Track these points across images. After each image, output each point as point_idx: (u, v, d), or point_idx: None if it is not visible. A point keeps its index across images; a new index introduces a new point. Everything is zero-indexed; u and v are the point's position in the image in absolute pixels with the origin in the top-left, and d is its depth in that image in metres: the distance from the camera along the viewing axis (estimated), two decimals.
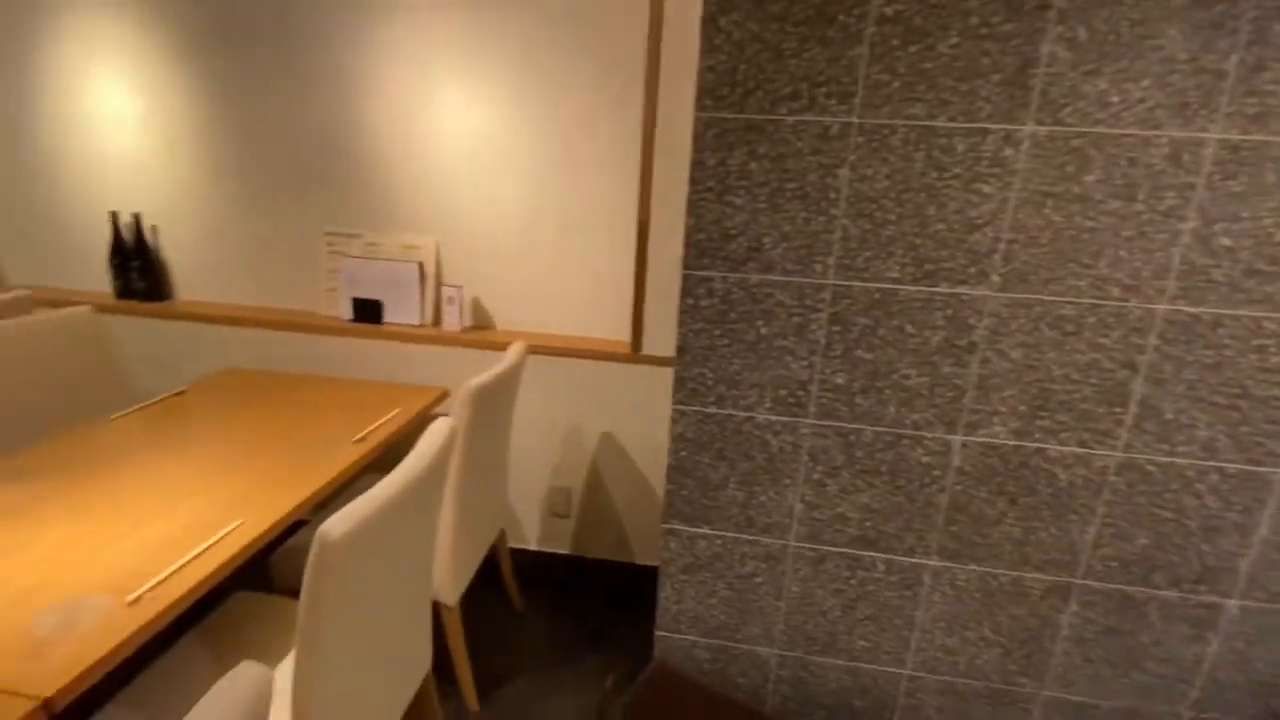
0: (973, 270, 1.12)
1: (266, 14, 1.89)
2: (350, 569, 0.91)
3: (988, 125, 1.03)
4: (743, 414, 1.31)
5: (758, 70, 1.08)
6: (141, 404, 1.70)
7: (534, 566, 2.14)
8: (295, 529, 1.69)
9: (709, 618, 1.47)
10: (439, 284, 2.01)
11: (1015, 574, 1.27)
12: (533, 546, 2.16)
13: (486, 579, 1.94)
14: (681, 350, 1.30)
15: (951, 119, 1.04)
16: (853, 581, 1.35)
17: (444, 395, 1.89)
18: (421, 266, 2.01)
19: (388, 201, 2.00)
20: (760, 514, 1.36)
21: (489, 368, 1.54)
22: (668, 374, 1.86)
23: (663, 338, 1.90)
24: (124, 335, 2.13)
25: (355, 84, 1.91)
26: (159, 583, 1.00)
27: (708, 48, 1.09)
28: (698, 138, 1.15)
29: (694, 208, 1.20)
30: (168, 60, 1.99)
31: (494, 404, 1.58)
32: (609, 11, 1.73)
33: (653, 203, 1.81)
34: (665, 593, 1.48)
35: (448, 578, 1.48)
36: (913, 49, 1.02)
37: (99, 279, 2.20)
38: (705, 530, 1.41)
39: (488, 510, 1.74)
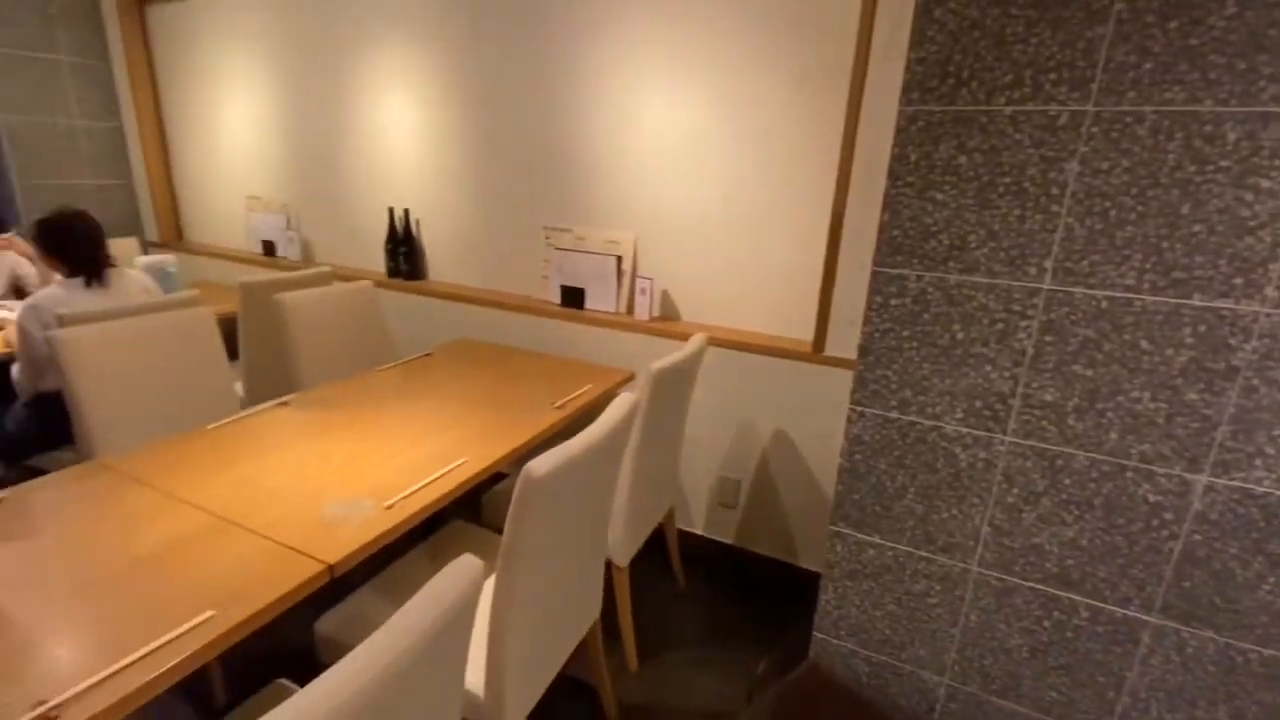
0: (1239, 281, 0.94)
1: (512, 42, 2.21)
2: (546, 504, 1.07)
3: (1271, 109, 0.87)
4: (928, 422, 1.24)
5: (974, 59, 1.02)
6: (400, 361, 2.11)
7: (698, 550, 2.22)
8: (499, 479, 1.97)
9: (872, 630, 1.42)
10: (634, 276, 2.18)
11: (1272, 653, 1.05)
12: (699, 531, 2.25)
13: (654, 554, 2.07)
14: (865, 350, 1.27)
15: (1221, 103, 0.89)
16: (1046, 623, 1.22)
17: (630, 377, 2.05)
18: (619, 259, 2.19)
19: (596, 200, 2.22)
20: (940, 531, 1.29)
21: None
22: (848, 377, 1.81)
23: (846, 340, 1.85)
24: (391, 306, 2.64)
25: (579, 97, 2.14)
26: (406, 495, 1.26)
27: (918, 39, 1.06)
28: (900, 132, 1.12)
29: (891, 203, 1.17)
30: (438, 80, 2.42)
31: (672, 387, 1.68)
32: (821, 10, 1.74)
33: (849, 200, 1.78)
34: (827, 595, 1.46)
35: (621, 539, 1.62)
36: (1173, 25, 0.89)
37: (376, 261, 2.75)
38: (875, 539, 1.36)
39: (660, 485, 1.85)
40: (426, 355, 2.18)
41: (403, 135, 2.57)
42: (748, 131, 1.90)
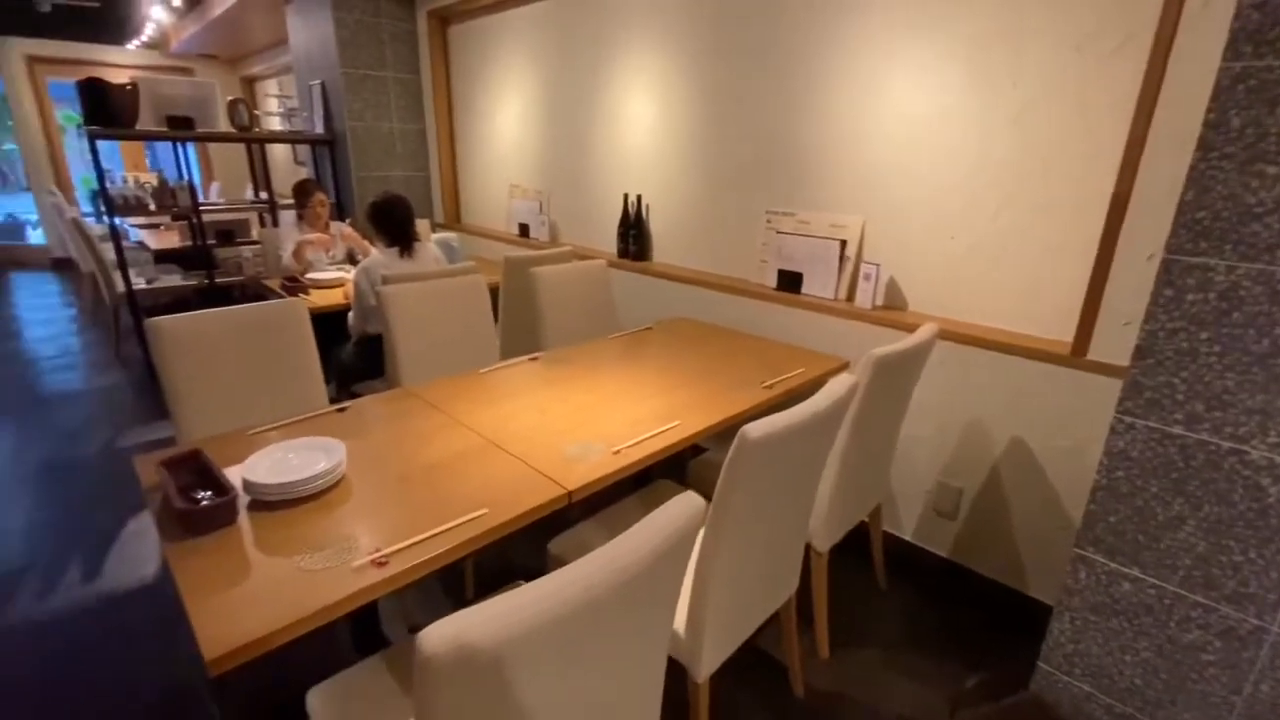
0: None
1: (749, 34, 2.26)
2: (758, 467, 1.12)
3: None
4: (1226, 444, 1.04)
5: None
6: (624, 332, 2.32)
7: (904, 556, 2.10)
8: (700, 451, 2.08)
9: (1117, 675, 1.24)
10: (858, 262, 2.11)
11: None
12: (907, 536, 2.12)
13: (855, 550, 2.00)
14: (1143, 351, 1.10)
15: None
16: None
17: (844, 365, 2.00)
18: (843, 244, 2.14)
19: (823, 183, 2.18)
20: (1228, 576, 1.07)
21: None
22: (1112, 386, 1.55)
23: (1115, 342, 1.59)
24: (619, 283, 2.89)
25: (813, 80, 2.12)
26: (631, 445, 1.41)
27: None
28: (1220, 94, 0.94)
29: (1198, 180, 0.99)
30: (677, 74, 2.57)
31: (893, 378, 1.61)
32: None
33: (1139, 178, 1.51)
34: (1060, 625, 1.30)
35: (823, 524, 1.61)
36: None
37: (609, 242, 3.03)
38: (1134, 572, 1.18)
39: (869, 478, 1.79)
40: (647, 329, 2.36)
41: (642, 127, 2.78)
42: (1005, 105, 1.72)
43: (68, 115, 7.09)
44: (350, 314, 2.55)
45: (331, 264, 3.24)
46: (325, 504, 1.19)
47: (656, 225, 2.83)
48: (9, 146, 7.43)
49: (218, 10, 4.79)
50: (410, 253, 2.52)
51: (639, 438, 1.45)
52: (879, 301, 2.07)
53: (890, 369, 1.54)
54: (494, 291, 2.69)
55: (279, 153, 6.26)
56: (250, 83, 7.50)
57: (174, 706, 1.59)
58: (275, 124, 5.12)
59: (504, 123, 3.63)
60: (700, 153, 2.57)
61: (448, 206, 4.20)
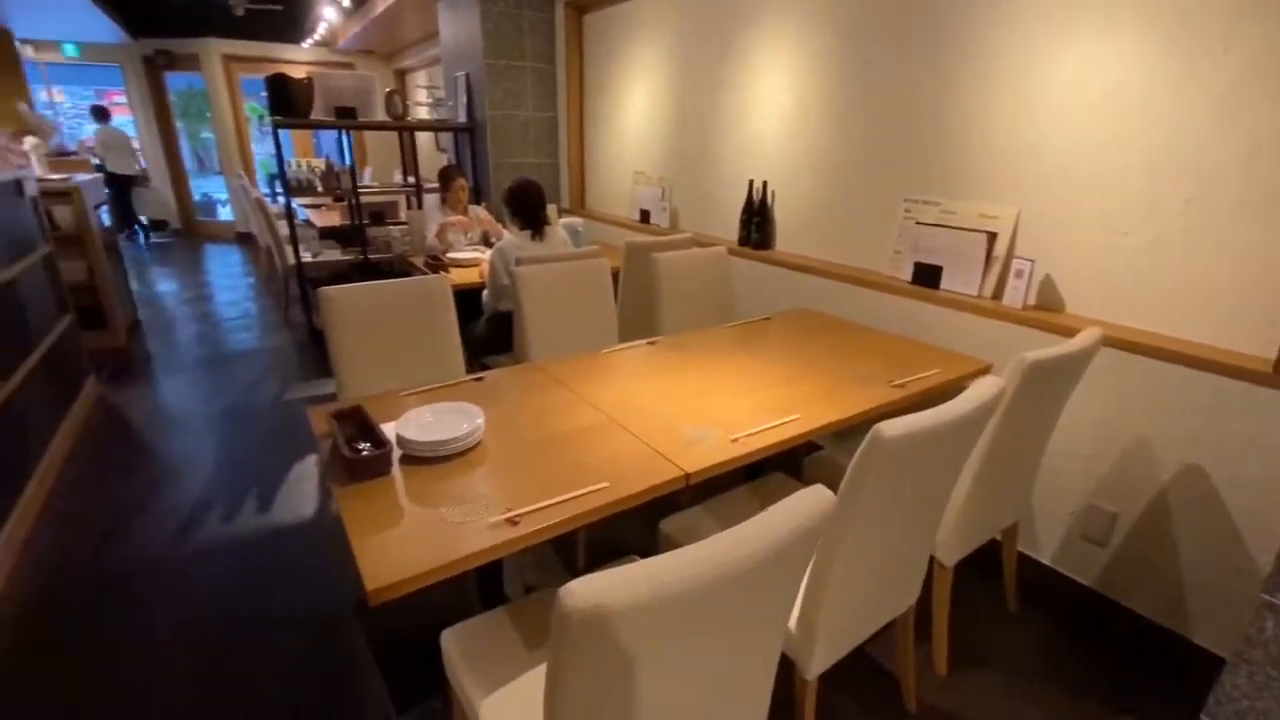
0: None
1: (893, 7, 2.12)
2: (888, 468, 1.07)
3: None
4: None
5: None
6: (741, 321, 2.30)
7: (1040, 581, 1.92)
8: (815, 448, 2.01)
9: None
10: (1009, 256, 1.94)
11: None
12: (1045, 560, 1.94)
13: (984, 568, 1.87)
14: None
15: None
16: None
17: (986, 369, 1.85)
18: (992, 237, 1.97)
19: (972, 171, 2.01)
20: None
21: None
22: None
23: None
24: (738, 271, 2.85)
25: (961, 58, 1.95)
26: (749, 434, 1.39)
27: None
28: None
29: None
30: (812, 54, 2.47)
31: (1047, 385, 1.47)
32: None
33: None
34: (1236, 679, 1.14)
35: (951, 536, 1.51)
36: None
37: (730, 229, 2.99)
38: None
39: (1007, 493, 1.66)
40: (766, 319, 2.32)
41: (772, 111, 2.71)
42: (1208, 78, 1.49)
43: (252, 107, 8.10)
44: (485, 292, 2.71)
45: (468, 245, 3.47)
46: (465, 463, 1.29)
47: (782, 213, 2.76)
48: (206, 135, 8.61)
49: (380, 8, 5.23)
50: (541, 235, 2.64)
51: (757, 427, 1.43)
52: (1031, 301, 1.89)
53: (1044, 375, 1.40)
54: (614, 275, 2.76)
55: (423, 139, 6.77)
56: (402, 75, 8.15)
57: (325, 629, 1.80)
58: (422, 113, 5.53)
59: (631, 110, 3.69)
60: (834, 137, 2.46)
61: (573, 192, 4.34)
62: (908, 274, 2.21)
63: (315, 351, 4.10)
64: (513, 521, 1.09)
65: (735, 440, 1.38)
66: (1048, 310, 1.87)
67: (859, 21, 2.30)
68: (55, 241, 3.21)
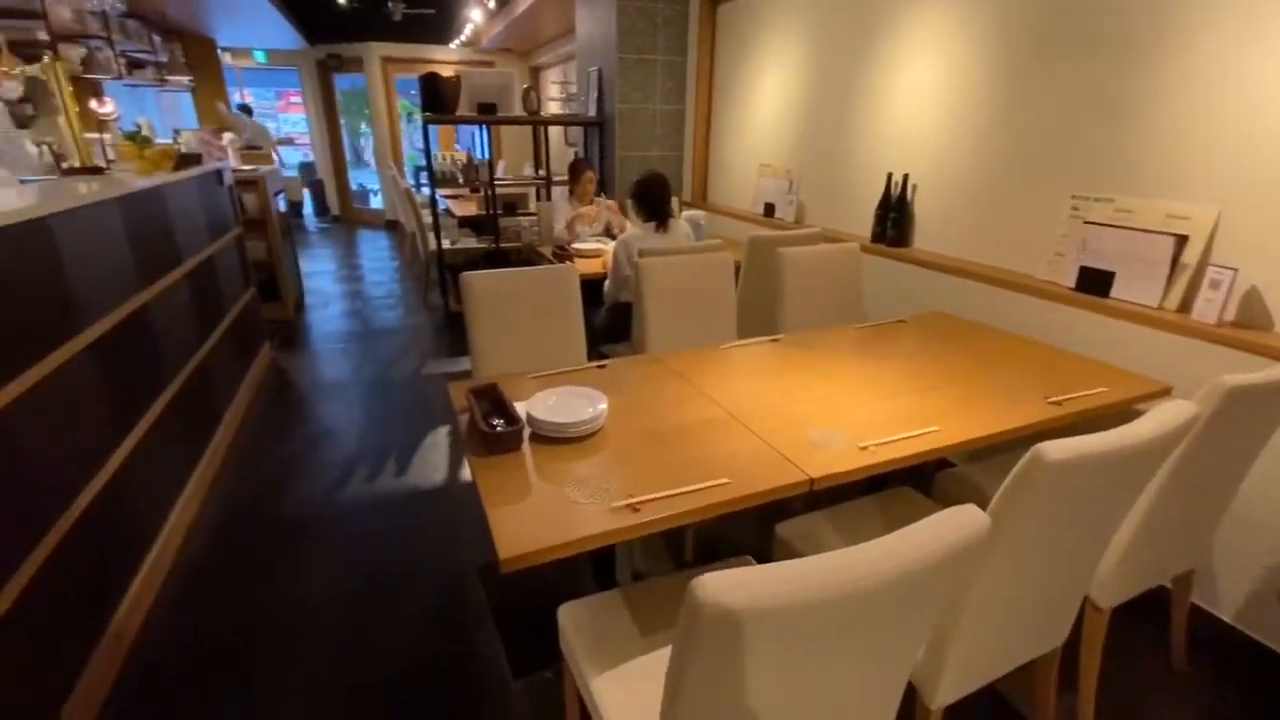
0: None
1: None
2: (1046, 494, 0.97)
3: None
4: None
5: None
6: (873, 323, 2.17)
7: (1216, 638, 1.67)
8: (944, 464, 1.87)
9: None
10: (1203, 264, 1.68)
11: None
12: (1225, 616, 1.67)
13: (1149, 614, 1.64)
14: None
15: None
16: None
17: (1165, 391, 1.62)
18: (1182, 240, 1.71)
19: (1154, 165, 1.76)
20: None
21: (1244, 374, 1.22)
22: None
23: None
24: (870, 269, 2.70)
25: (1156, 31, 1.70)
26: (881, 443, 1.32)
27: None
28: None
29: None
30: (966, 35, 2.27)
31: (1249, 416, 1.26)
32: None
33: None
34: None
35: (1112, 577, 1.34)
36: None
37: (862, 225, 2.84)
38: None
39: (1184, 535, 1.45)
40: (900, 321, 2.18)
41: (916, 100, 2.53)
42: None
43: (403, 104, 8.82)
44: (606, 282, 2.78)
45: (592, 236, 3.56)
46: (589, 446, 1.32)
47: (923, 208, 2.58)
48: (365, 131, 9.50)
49: (521, 7, 5.49)
50: (664, 228, 2.66)
51: (890, 437, 1.34)
52: (1229, 316, 1.63)
53: (1246, 404, 1.20)
54: (734, 270, 2.71)
55: (553, 134, 7.04)
56: (536, 72, 8.53)
57: (449, 587, 1.94)
58: (554, 108, 5.76)
59: (760, 101, 3.60)
60: (989, 126, 2.25)
61: (695, 185, 4.33)
62: (1069, 279, 1.99)
63: (450, 332, 4.41)
64: (634, 508, 1.11)
65: (865, 448, 1.31)
66: (1250, 329, 1.60)
67: (1032, 6, 2.08)
68: (243, 224, 3.69)
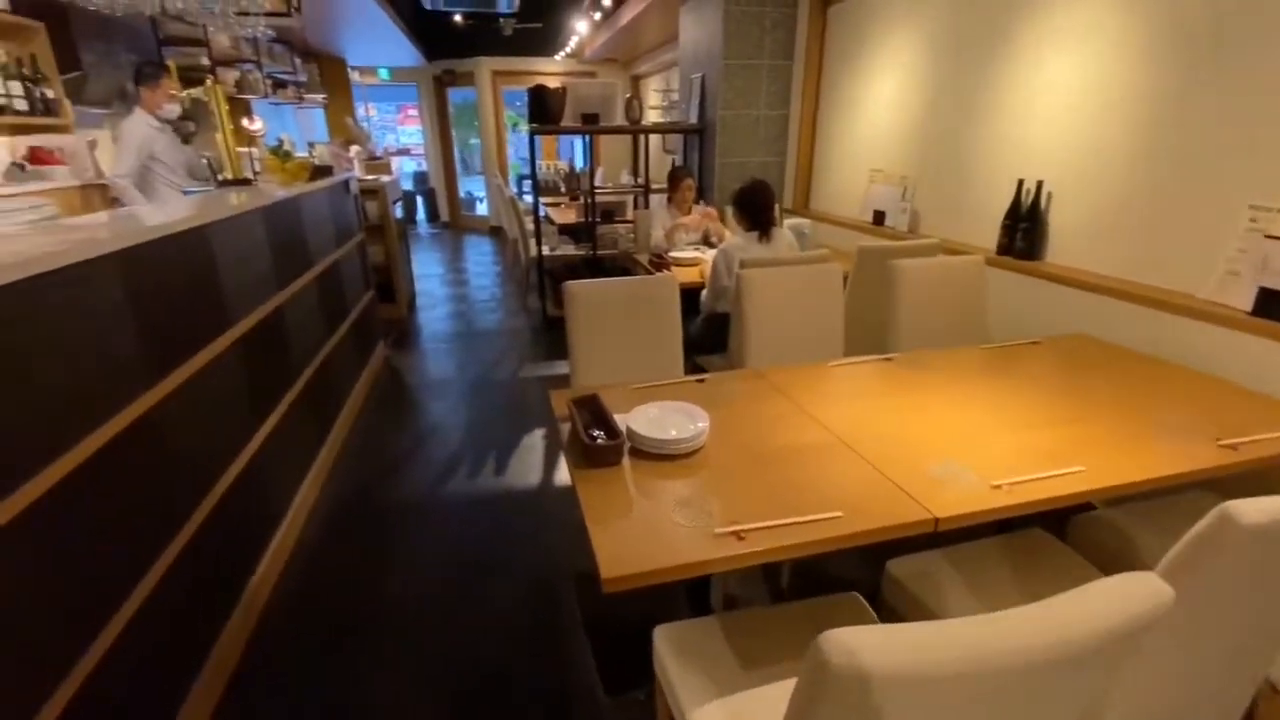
0: None
1: None
2: (1234, 563, 0.82)
3: None
4: None
5: None
6: (1000, 344, 1.99)
7: None
8: (1085, 507, 1.66)
9: None
10: None
11: None
12: None
13: None
14: None
15: None
16: None
17: None
18: None
19: None
20: None
21: None
22: None
23: None
24: (995, 284, 2.47)
25: None
26: (1016, 482, 1.18)
27: None
28: None
29: None
30: (1116, 24, 2.03)
31: None
32: None
33: None
34: None
35: None
36: None
37: (985, 236, 2.62)
38: None
39: None
40: (1033, 343, 1.98)
41: (1055, 99, 2.30)
42: None
43: (509, 115, 9.21)
44: (704, 292, 2.73)
45: (689, 244, 3.53)
46: (690, 465, 1.29)
47: (1060, 218, 2.34)
48: (474, 141, 10.00)
49: (625, 18, 5.57)
50: (768, 237, 2.58)
51: (1026, 475, 1.21)
52: None
53: None
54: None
55: (652, 141, 7.09)
56: (636, 80, 8.63)
57: (542, 593, 1.97)
58: (652, 115, 5.79)
59: (872, 104, 3.42)
60: (1147, 127, 2.00)
61: (798, 192, 4.19)
62: (1245, 301, 1.72)
63: (547, 335, 4.53)
64: (739, 535, 1.05)
65: (998, 487, 1.18)
66: None
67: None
68: (365, 230, 3.97)
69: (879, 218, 3.31)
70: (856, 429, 1.42)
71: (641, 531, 1.08)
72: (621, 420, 1.38)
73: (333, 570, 2.08)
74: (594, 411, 1.45)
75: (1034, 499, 1.16)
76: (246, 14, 2.86)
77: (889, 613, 1.37)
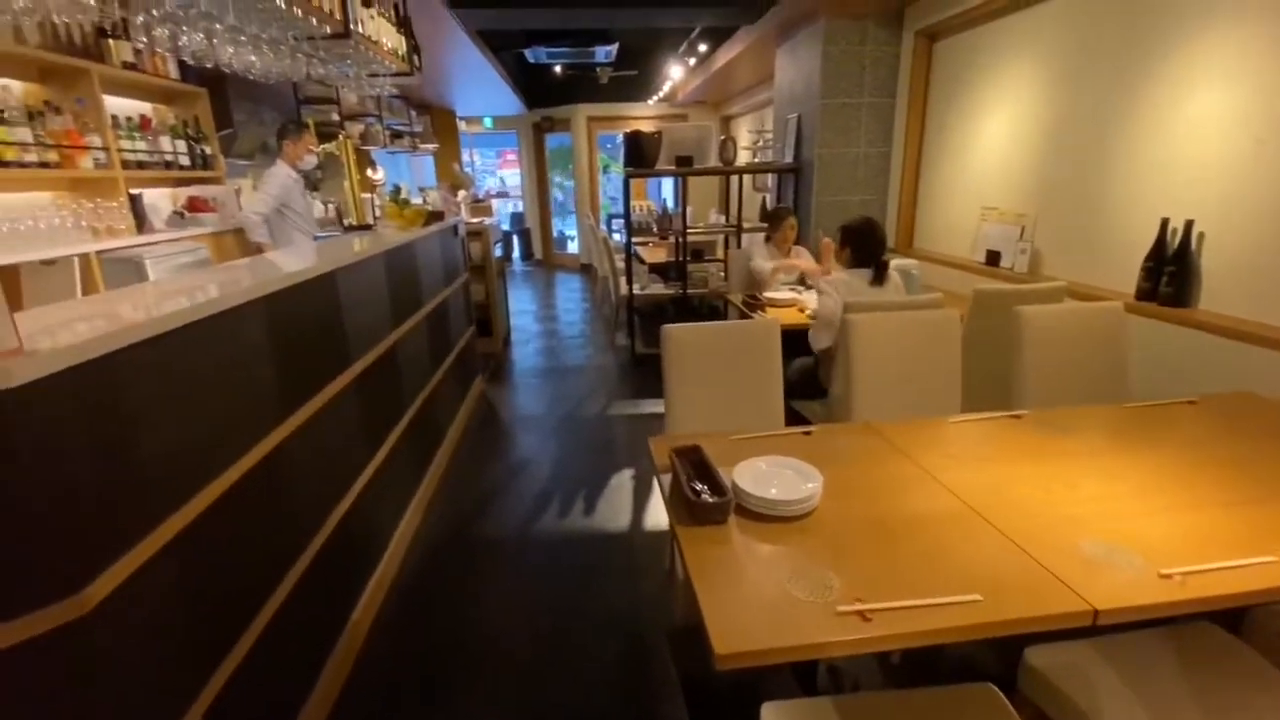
0: None
1: None
2: None
3: None
4: None
5: None
6: (1146, 402, 1.77)
7: None
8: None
9: None
10: None
11: None
12: None
13: None
14: None
15: None
16: None
17: None
18: None
19: None
20: None
21: None
22: None
23: None
24: (1136, 333, 2.24)
25: None
26: (1193, 571, 1.02)
27: None
28: None
29: None
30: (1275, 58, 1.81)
31: None
32: None
33: None
34: None
35: None
36: None
37: (1119, 279, 2.38)
38: None
39: None
40: (1189, 403, 1.75)
41: (1204, 133, 2.08)
42: None
43: (602, 158, 9.54)
44: (810, 331, 2.61)
45: (785, 283, 3.46)
46: (802, 529, 1.21)
47: (1214, 261, 2.09)
48: (568, 183, 10.43)
49: (720, 62, 5.66)
50: (881, 281, 2.47)
51: (1203, 565, 1.04)
52: None
53: None
54: None
55: (743, 179, 7.09)
56: (727, 121, 8.73)
57: (635, 648, 1.91)
58: (743, 155, 5.79)
59: (982, 140, 3.25)
60: None
61: (902, 230, 4.02)
62: None
63: (635, 372, 4.55)
64: (864, 616, 0.96)
65: (1167, 576, 1.02)
66: None
67: None
68: (469, 269, 4.18)
69: (993, 258, 3.10)
70: (990, 497, 1.29)
71: (754, 602, 1.01)
72: (726, 473, 1.33)
73: (426, 612, 2.12)
74: (697, 463, 1.41)
75: (1215, 594, 0.99)
76: (376, 75, 3.13)
77: (1030, 709, 1.21)
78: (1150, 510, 1.22)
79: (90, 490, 0.99)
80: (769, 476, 1.33)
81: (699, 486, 1.31)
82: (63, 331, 1.06)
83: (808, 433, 1.65)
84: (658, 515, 2.58)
